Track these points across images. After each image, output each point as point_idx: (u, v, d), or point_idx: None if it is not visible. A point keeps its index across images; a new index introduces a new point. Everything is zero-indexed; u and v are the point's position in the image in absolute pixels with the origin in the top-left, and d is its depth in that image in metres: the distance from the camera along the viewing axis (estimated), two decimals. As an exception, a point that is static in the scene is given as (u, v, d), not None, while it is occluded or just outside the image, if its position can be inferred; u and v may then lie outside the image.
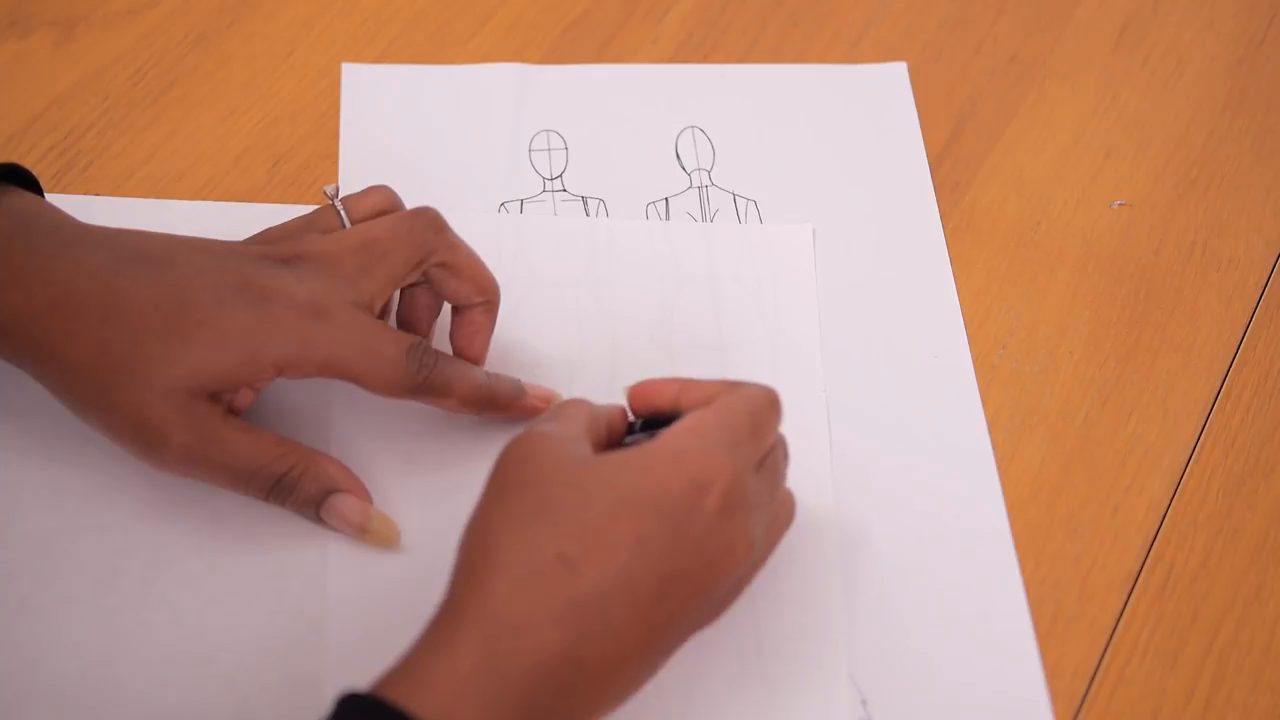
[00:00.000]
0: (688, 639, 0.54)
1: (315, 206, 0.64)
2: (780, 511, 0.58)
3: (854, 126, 0.79)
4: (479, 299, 0.64)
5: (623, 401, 0.59)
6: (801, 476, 0.64)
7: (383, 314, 0.64)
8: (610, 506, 0.51)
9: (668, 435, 0.54)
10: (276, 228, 0.63)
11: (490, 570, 0.51)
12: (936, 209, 0.75)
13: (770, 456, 0.57)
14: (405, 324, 0.65)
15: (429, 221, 0.62)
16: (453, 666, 0.49)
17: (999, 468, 0.66)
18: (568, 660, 0.50)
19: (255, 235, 0.63)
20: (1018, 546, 0.63)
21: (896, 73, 0.82)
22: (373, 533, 0.60)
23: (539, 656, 0.49)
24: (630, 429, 0.59)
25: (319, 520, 0.60)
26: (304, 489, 0.59)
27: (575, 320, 0.70)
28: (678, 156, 0.77)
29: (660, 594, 0.51)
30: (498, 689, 0.49)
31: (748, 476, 0.54)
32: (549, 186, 0.76)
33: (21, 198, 0.60)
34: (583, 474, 0.52)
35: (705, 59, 0.82)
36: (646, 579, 0.51)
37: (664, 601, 0.51)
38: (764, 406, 0.57)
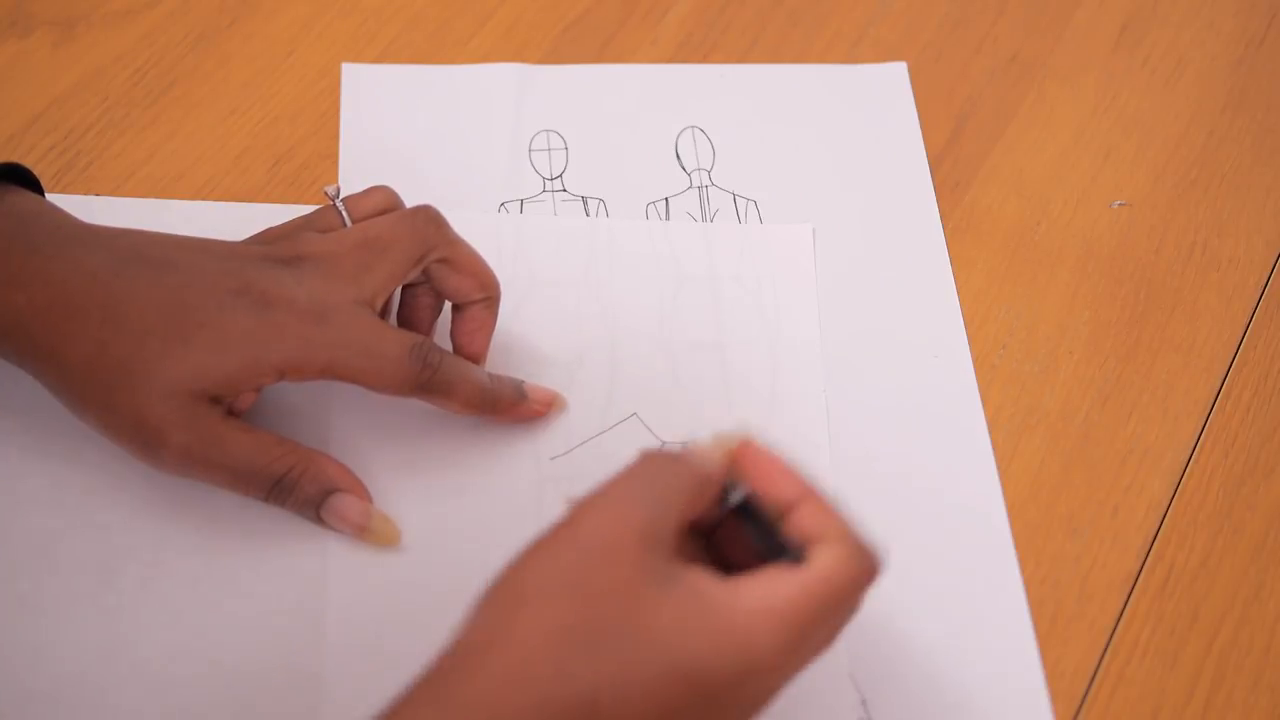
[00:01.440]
0: None
1: (315, 206, 0.64)
2: None
3: (854, 126, 0.79)
4: (480, 295, 0.64)
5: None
6: (801, 476, 0.64)
7: (384, 313, 0.65)
8: (656, 665, 0.46)
9: (746, 593, 0.48)
10: (276, 228, 0.63)
11: (516, 678, 0.46)
12: (936, 209, 0.75)
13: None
14: (406, 323, 0.65)
15: (429, 218, 0.62)
16: None
17: (999, 468, 0.66)
18: None
19: (255, 235, 0.63)
20: (1018, 546, 0.63)
21: (896, 73, 0.82)
22: (373, 532, 0.60)
23: None
24: (741, 509, 0.51)
25: (319, 520, 0.60)
26: (304, 489, 0.59)
27: (575, 320, 0.70)
28: (678, 156, 0.77)
29: None
30: None
31: (804, 662, 0.50)
32: (549, 186, 0.76)
33: (23, 197, 0.60)
34: (644, 609, 0.47)
35: (705, 59, 0.82)
36: None
37: None
38: (861, 585, 0.50)
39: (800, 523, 0.50)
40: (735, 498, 0.51)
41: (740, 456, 0.52)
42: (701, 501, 0.50)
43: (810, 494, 0.51)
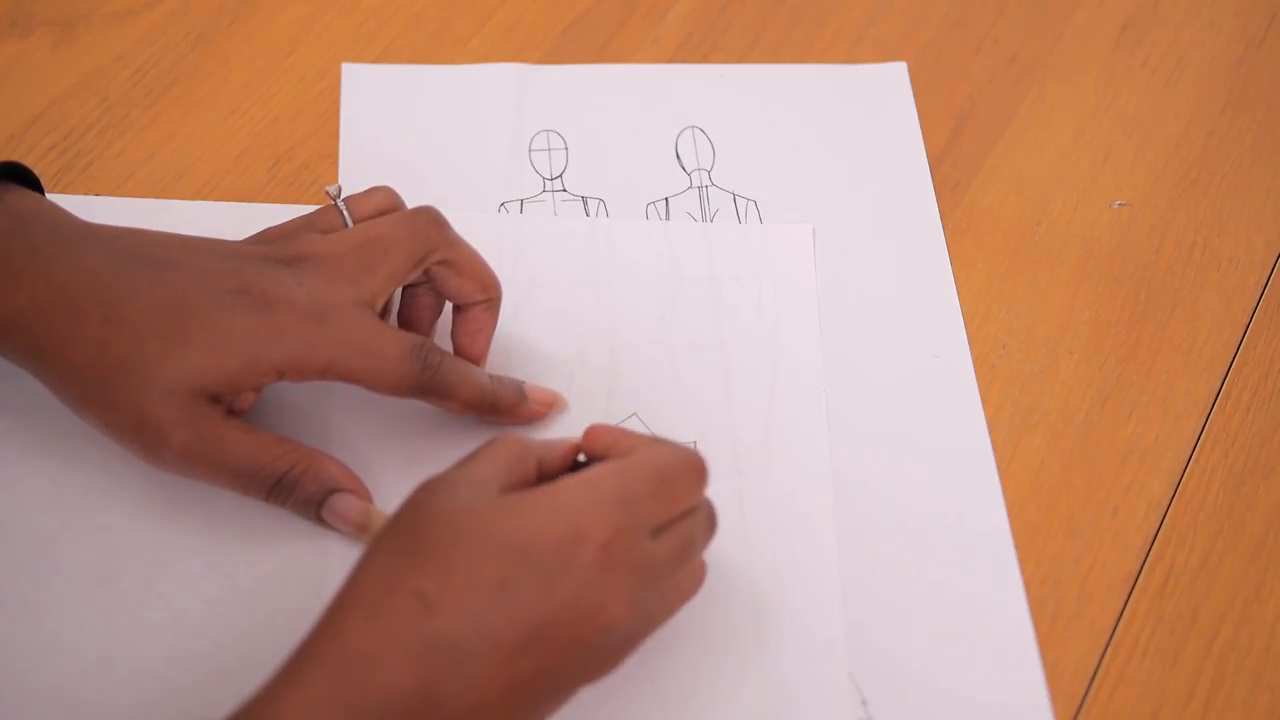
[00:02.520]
0: (570, 694, 0.52)
1: (315, 206, 0.64)
2: (684, 580, 0.55)
3: (854, 126, 0.79)
4: (481, 297, 0.64)
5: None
6: (801, 476, 0.64)
7: (384, 313, 0.65)
8: (479, 549, 0.50)
9: (559, 483, 0.52)
10: (276, 227, 0.63)
11: (349, 604, 0.50)
12: (936, 209, 0.75)
13: (681, 523, 0.54)
14: (407, 323, 0.65)
15: (430, 219, 0.62)
16: (303, 698, 0.48)
17: (999, 468, 0.66)
18: (422, 698, 0.48)
19: (256, 235, 0.63)
20: (1018, 546, 0.63)
21: (896, 73, 0.82)
22: (373, 532, 0.60)
23: (391, 693, 0.48)
24: (575, 467, 0.57)
25: (319, 520, 0.60)
26: (304, 489, 0.59)
27: (575, 320, 0.70)
28: (678, 156, 0.77)
29: (524, 645, 0.49)
30: None
31: (637, 535, 0.51)
32: (549, 186, 0.76)
33: (23, 196, 0.60)
34: (462, 515, 0.51)
35: (705, 59, 0.82)
36: (508, 626, 0.49)
37: (530, 652, 0.49)
38: (678, 468, 0.54)
39: (613, 456, 0.55)
40: (580, 460, 0.57)
41: (585, 434, 0.57)
42: (526, 469, 0.55)
43: (625, 434, 0.56)
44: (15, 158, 0.68)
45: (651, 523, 0.53)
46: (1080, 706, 0.59)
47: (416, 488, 0.53)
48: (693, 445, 0.65)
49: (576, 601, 0.50)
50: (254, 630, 0.59)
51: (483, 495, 0.52)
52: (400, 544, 0.51)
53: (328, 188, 0.64)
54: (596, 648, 0.51)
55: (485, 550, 0.50)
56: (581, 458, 0.57)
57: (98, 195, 0.73)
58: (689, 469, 0.55)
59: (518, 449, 0.55)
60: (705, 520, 0.56)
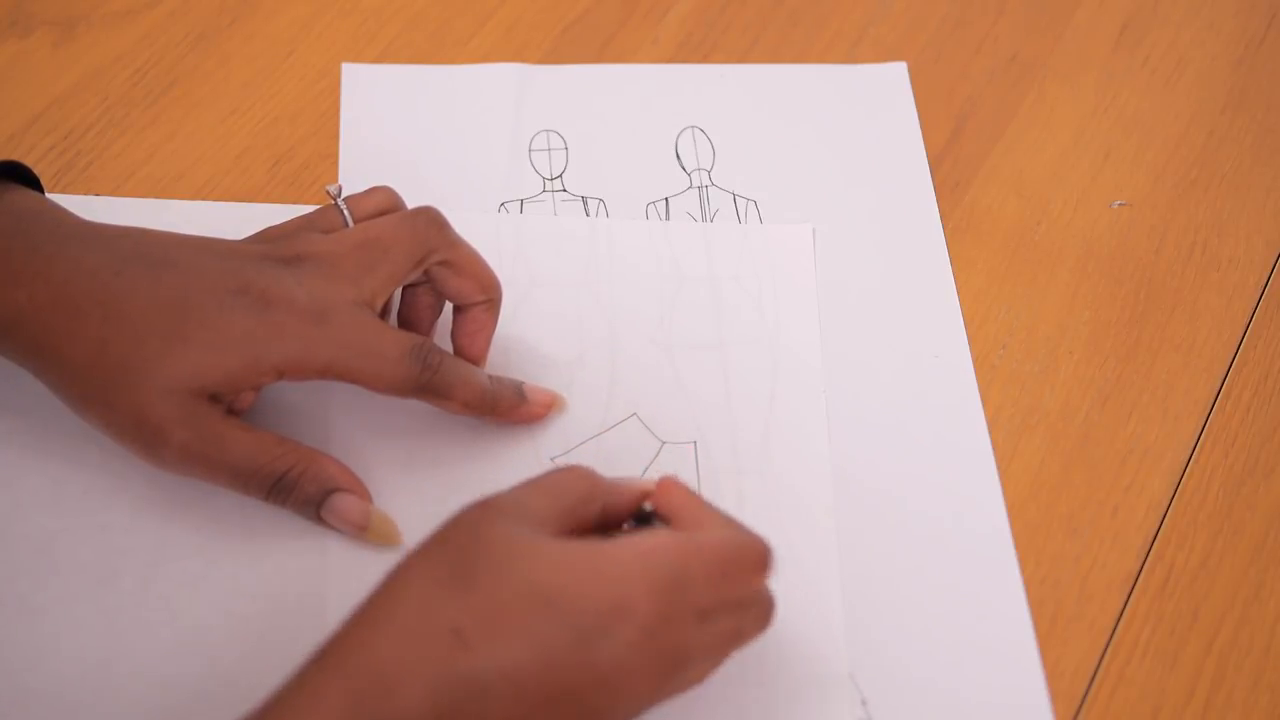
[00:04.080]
0: None
1: (315, 206, 0.64)
2: (711, 667, 0.54)
3: (854, 126, 0.79)
4: (481, 297, 0.64)
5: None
6: (801, 476, 0.64)
7: (384, 313, 0.65)
8: (524, 597, 0.49)
9: (617, 544, 0.51)
10: (277, 227, 0.63)
11: (382, 619, 0.49)
12: (936, 209, 0.75)
13: (731, 612, 0.52)
14: (407, 323, 0.65)
15: (430, 220, 0.62)
16: (319, 709, 0.47)
17: (999, 468, 0.66)
18: None
19: (256, 234, 0.63)
20: (1018, 546, 0.63)
21: (896, 73, 0.82)
22: (373, 532, 0.60)
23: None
24: (639, 518, 0.55)
25: (319, 520, 0.60)
26: (304, 488, 0.59)
27: (575, 320, 0.70)
28: (678, 156, 0.77)
29: (547, 701, 0.48)
30: None
31: (683, 622, 0.50)
32: (549, 186, 0.76)
33: (23, 195, 0.60)
34: (513, 555, 0.50)
35: (705, 59, 0.82)
36: (536, 683, 0.48)
37: (548, 709, 0.48)
38: (741, 556, 0.52)
39: (681, 527, 0.54)
40: (645, 508, 0.55)
41: (658, 487, 0.55)
42: (588, 511, 0.53)
43: (698, 504, 0.54)
44: (15, 158, 0.68)
45: (701, 607, 0.51)
46: (1080, 706, 0.59)
47: (468, 507, 0.52)
48: (692, 445, 0.65)
49: (607, 672, 0.49)
50: (254, 630, 0.59)
51: (538, 535, 0.51)
52: (442, 568, 0.50)
53: (328, 187, 0.64)
54: (608, 713, 0.50)
55: (530, 600, 0.49)
56: (648, 506, 0.55)
57: (98, 195, 0.73)
58: (753, 558, 0.53)
59: (585, 491, 0.54)
60: (758, 616, 0.54)
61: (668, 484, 0.55)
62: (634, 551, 0.50)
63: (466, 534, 0.51)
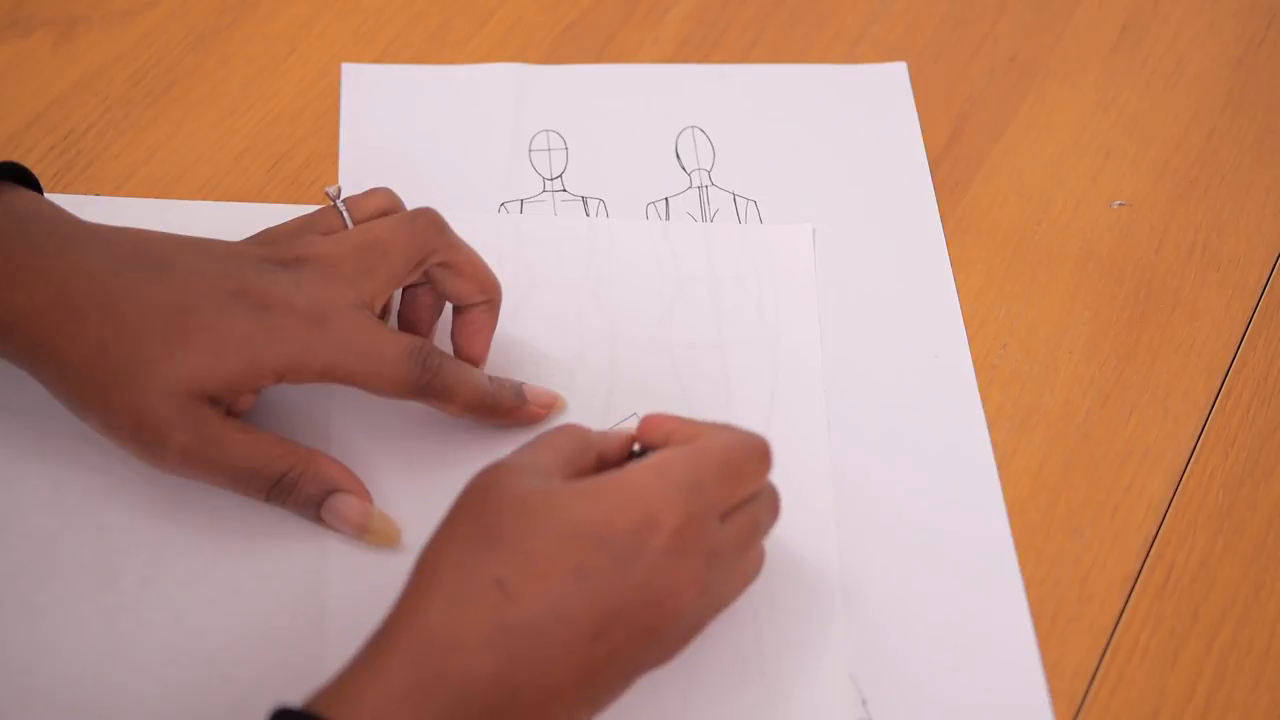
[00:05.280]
0: (636, 678, 0.53)
1: (315, 207, 0.64)
2: (748, 564, 0.57)
3: (854, 126, 0.79)
4: (481, 298, 0.64)
5: (625, 418, 0.59)
6: (801, 476, 0.64)
7: (383, 314, 0.65)
8: (554, 535, 0.51)
9: (629, 469, 0.53)
10: (276, 228, 0.63)
11: (427, 590, 0.51)
12: (936, 209, 0.75)
13: (746, 507, 0.55)
14: (407, 324, 0.65)
15: (430, 221, 0.62)
16: (383, 683, 0.49)
17: (999, 468, 0.66)
18: (500, 684, 0.49)
19: (256, 235, 0.63)
20: (1018, 547, 0.63)
21: (896, 73, 0.82)
22: (373, 532, 0.60)
23: (469, 677, 0.49)
24: (632, 457, 0.58)
25: (319, 520, 0.60)
26: (304, 489, 0.59)
27: (575, 320, 0.70)
28: (678, 156, 0.77)
29: (600, 628, 0.50)
30: (428, 707, 0.48)
31: (707, 520, 0.53)
32: (549, 186, 0.76)
33: (22, 196, 0.60)
34: (534, 502, 0.52)
35: (705, 59, 0.82)
36: (585, 611, 0.50)
37: (604, 636, 0.50)
38: (744, 454, 0.55)
39: (676, 443, 0.56)
40: (635, 449, 0.58)
41: (640, 424, 0.57)
42: (587, 459, 0.56)
43: (685, 422, 0.57)
44: (15, 158, 0.68)
45: (720, 507, 0.54)
46: (1080, 706, 0.59)
47: (479, 472, 0.54)
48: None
49: (650, 586, 0.51)
50: (254, 630, 0.59)
51: (550, 481, 0.53)
52: (473, 529, 0.52)
53: (327, 189, 0.64)
54: (665, 633, 0.52)
55: (561, 535, 0.51)
56: (636, 448, 0.58)
57: (98, 195, 0.73)
58: (755, 454, 0.55)
59: (580, 440, 0.56)
60: (769, 505, 0.57)
61: (651, 418, 0.57)
62: (647, 468, 0.53)
63: (487, 494, 0.53)
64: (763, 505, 0.56)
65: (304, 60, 0.80)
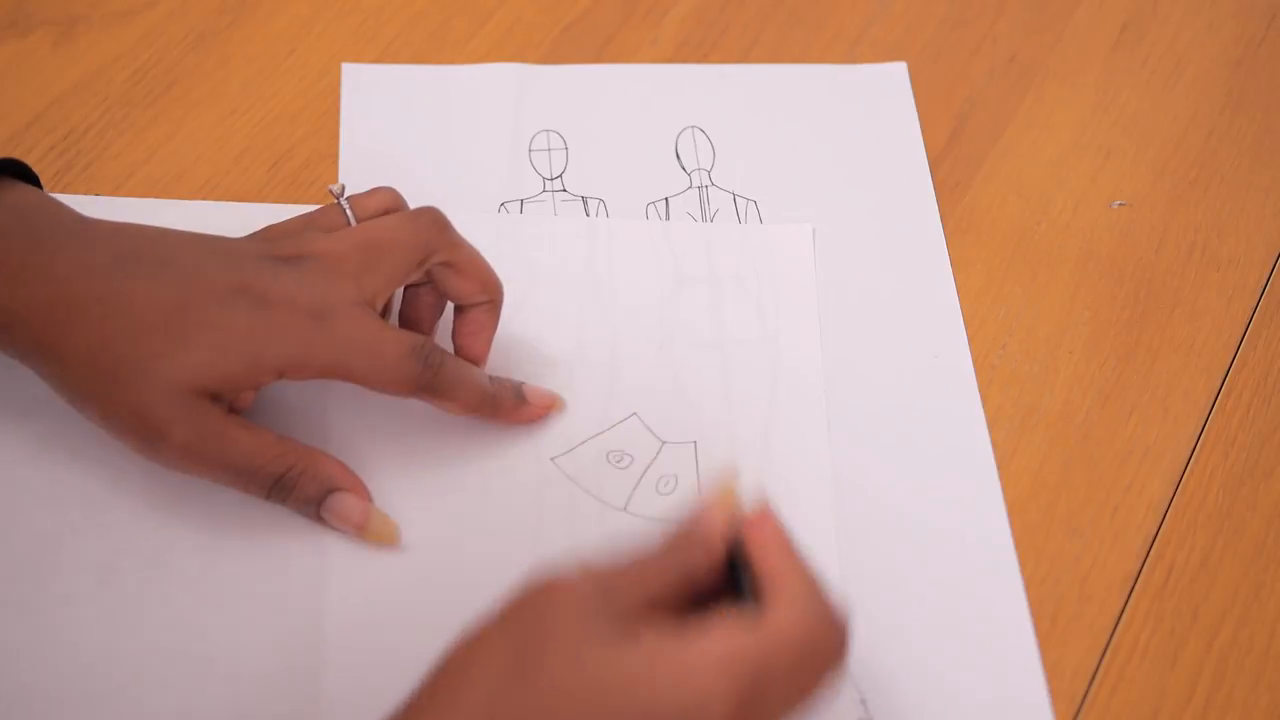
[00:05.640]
0: None
1: (315, 206, 0.64)
2: None
3: (854, 126, 0.79)
4: (482, 298, 0.64)
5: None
6: (801, 476, 0.64)
7: (385, 313, 0.65)
8: (594, 699, 0.45)
9: (696, 646, 0.46)
10: (278, 225, 0.63)
11: (445, 707, 0.46)
12: (936, 209, 0.75)
13: (804, 698, 0.48)
14: (408, 323, 0.65)
15: (432, 220, 0.62)
16: None
17: (999, 468, 0.66)
18: None
19: (258, 232, 0.63)
20: (1018, 547, 0.63)
21: (896, 73, 0.82)
22: (372, 531, 0.60)
23: None
24: (733, 572, 0.50)
25: (319, 519, 0.60)
26: (304, 488, 0.59)
27: (575, 320, 0.70)
28: (678, 156, 0.77)
29: None
30: None
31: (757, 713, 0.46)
32: (549, 186, 0.76)
33: (23, 192, 0.60)
34: (583, 651, 0.46)
35: (705, 59, 0.82)
36: None
37: None
38: (825, 650, 0.48)
39: (771, 580, 0.49)
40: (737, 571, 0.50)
41: (748, 526, 0.50)
42: (677, 594, 0.49)
43: (794, 561, 0.50)
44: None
45: (778, 702, 0.47)
46: (1080, 706, 0.59)
47: (541, 584, 0.48)
48: (692, 445, 0.65)
49: None
50: (254, 630, 0.59)
51: (614, 628, 0.47)
52: (508, 659, 0.46)
53: (331, 187, 0.64)
54: None
55: (602, 703, 0.45)
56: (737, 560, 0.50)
57: (97, 195, 0.73)
58: (834, 645, 0.49)
59: (676, 573, 0.49)
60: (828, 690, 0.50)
61: (758, 536, 0.50)
62: (712, 654, 0.46)
63: (542, 620, 0.47)
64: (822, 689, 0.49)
65: (304, 60, 0.80)
